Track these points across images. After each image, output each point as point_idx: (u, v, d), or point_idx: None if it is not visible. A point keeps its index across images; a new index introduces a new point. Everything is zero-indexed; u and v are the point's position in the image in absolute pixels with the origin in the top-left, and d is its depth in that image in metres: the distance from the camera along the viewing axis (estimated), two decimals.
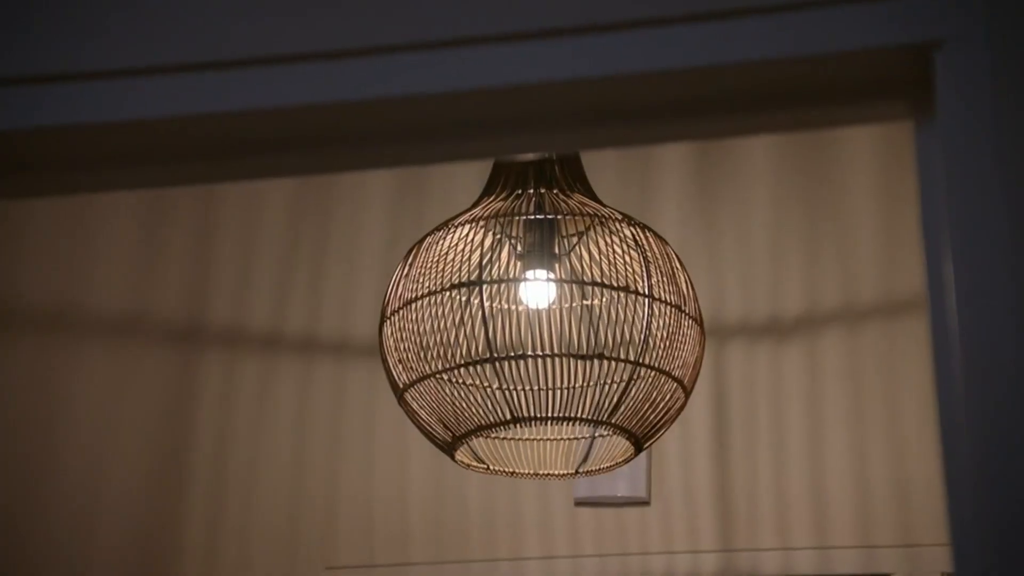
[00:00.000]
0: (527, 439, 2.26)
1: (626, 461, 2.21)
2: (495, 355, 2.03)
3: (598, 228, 2.09)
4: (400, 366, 2.14)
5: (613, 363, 2.01)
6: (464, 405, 2.10)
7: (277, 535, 3.21)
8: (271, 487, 3.25)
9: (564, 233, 2.13)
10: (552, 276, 2.11)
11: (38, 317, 3.42)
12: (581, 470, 2.26)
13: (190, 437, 3.29)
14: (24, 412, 3.35)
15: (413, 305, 2.10)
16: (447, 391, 2.10)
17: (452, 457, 2.23)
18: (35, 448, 3.33)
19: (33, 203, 3.48)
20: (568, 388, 2.06)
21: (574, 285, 2.08)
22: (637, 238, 2.09)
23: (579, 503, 3.17)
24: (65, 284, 3.44)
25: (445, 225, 2.14)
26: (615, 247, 2.06)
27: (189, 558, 3.21)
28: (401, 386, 2.15)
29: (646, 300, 2.01)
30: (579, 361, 2.01)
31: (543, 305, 2.10)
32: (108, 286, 3.43)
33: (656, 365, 2.02)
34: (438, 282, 2.08)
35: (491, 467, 2.25)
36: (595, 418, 2.05)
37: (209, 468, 3.28)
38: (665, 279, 2.05)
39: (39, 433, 3.33)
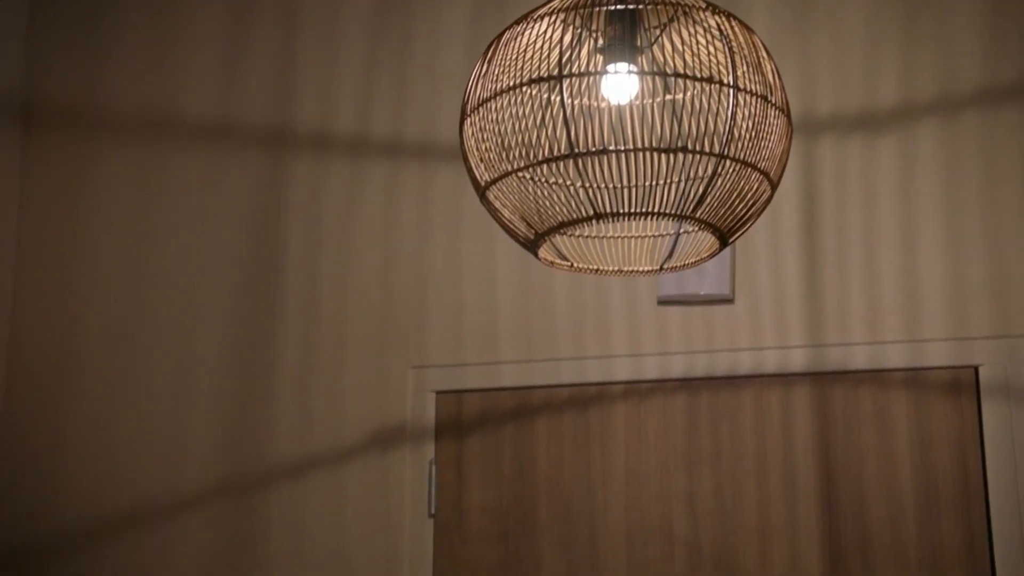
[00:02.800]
0: (611, 236, 2.23)
1: (711, 256, 2.18)
2: (576, 151, 1.99)
3: (681, 18, 2.02)
4: (482, 165, 2.12)
5: (697, 156, 1.96)
6: (547, 203, 2.08)
7: (367, 335, 3.27)
8: (361, 288, 3.30)
9: (646, 25, 2.06)
10: (634, 69, 2.06)
11: (132, 124, 3.45)
12: (666, 266, 2.23)
13: (282, 240, 3.33)
14: (125, 221, 3.41)
15: (492, 102, 2.06)
16: (529, 189, 2.08)
17: (536, 255, 2.22)
18: (138, 256, 3.40)
19: (124, 10, 3.47)
20: (651, 183, 2.02)
21: (657, 78, 2.02)
22: (722, 27, 2.01)
23: (664, 302, 3.16)
24: (155, 92, 3.46)
25: (524, 18, 2.08)
26: (699, 37, 1.99)
27: (285, 357, 3.29)
28: (483, 184, 2.13)
29: (731, 91, 1.95)
30: (662, 155, 1.96)
31: (625, 100, 2.05)
32: (196, 93, 3.44)
33: (741, 157, 1.96)
34: (517, 78, 2.03)
35: (575, 264, 2.24)
36: (679, 213, 2.01)
37: (301, 270, 3.33)
38: (750, 69, 1.98)
39: (141, 241, 3.40)
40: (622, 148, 1.99)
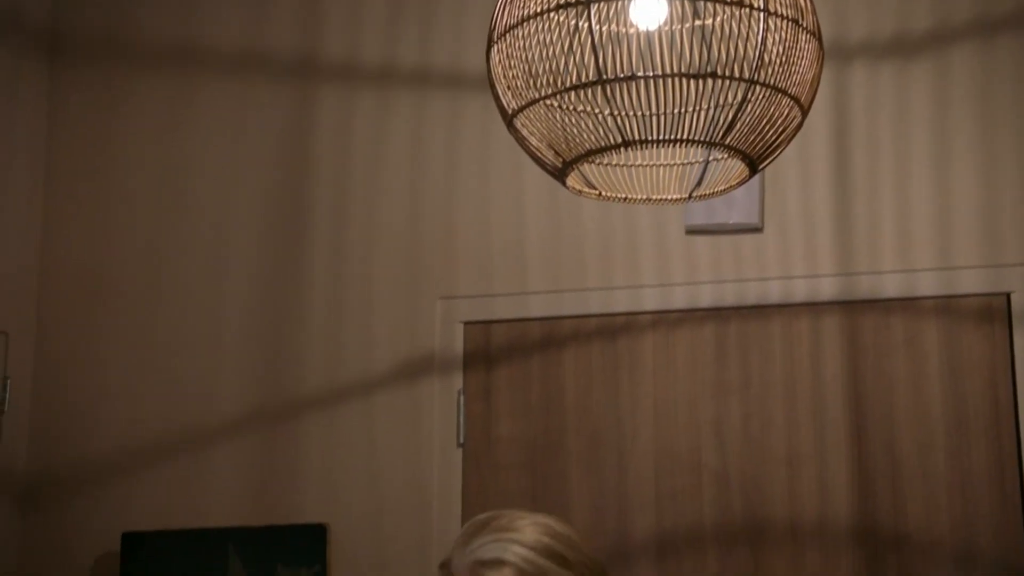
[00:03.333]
0: (639, 165, 2.22)
1: (740, 183, 2.16)
2: (604, 78, 1.96)
3: None
4: (509, 92, 2.10)
5: (727, 82, 1.93)
6: (574, 131, 2.06)
7: (395, 267, 3.27)
8: (389, 219, 3.29)
9: None
10: None
11: (160, 55, 3.44)
12: (695, 194, 2.21)
13: (310, 171, 3.33)
14: (153, 152, 3.41)
15: (519, 29, 2.03)
16: (557, 116, 2.06)
17: (564, 183, 2.20)
18: (167, 188, 3.41)
19: None
20: (680, 110, 2.00)
21: (686, 2, 1.99)
22: None
23: (692, 231, 3.15)
24: (182, 23, 3.44)
25: None
26: None
27: (313, 287, 3.30)
28: (510, 112, 2.11)
29: (761, 14, 1.92)
30: (691, 81, 1.94)
31: (653, 25, 2.02)
32: (224, 24, 3.42)
33: (771, 82, 1.94)
34: (544, 3, 2.01)
35: (603, 193, 2.22)
36: (708, 139, 1.99)
37: (329, 201, 3.32)
38: None
39: (169, 173, 3.40)
40: (651, 74, 1.96)
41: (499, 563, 1.95)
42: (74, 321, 3.38)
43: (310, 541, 3.11)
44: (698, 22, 1.99)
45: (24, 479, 3.24)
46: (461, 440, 3.16)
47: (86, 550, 3.21)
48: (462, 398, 3.18)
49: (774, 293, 3.09)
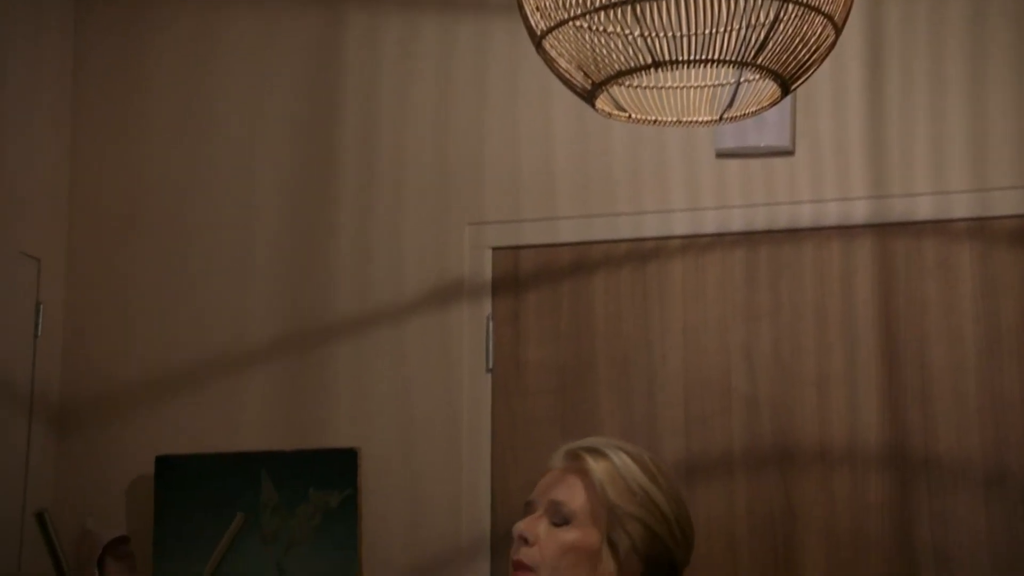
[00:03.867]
0: (669, 87, 2.19)
1: (772, 104, 2.13)
2: None
3: None
4: (537, 13, 2.07)
5: (759, 0, 1.90)
6: (604, 52, 2.03)
7: (423, 192, 3.26)
8: (417, 144, 3.28)
9: None
10: None
11: None
12: (726, 116, 2.19)
13: (337, 96, 3.32)
14: (180, 76, 3.40)
15: None
16: (586, 37, 2.03)
17: (593, 106, 2.18)
18: (194, 113, 3.40)
19: None
20: (711, 30, 1.97)
21: None
22: None
23: (723, 154, 3.12)
24: None
25: None
26: None
27: (342, 213, 3.30)
28: (539, 33, 2.09)
29: None
30: (723, 0, 1.91)
31: None
32: None
33: (805, 0, 1.91)
34: None
35: (633, 115, 2.20)
36: (740, 59, 1.97)
37: (357, 127, 3.31)
38: None
39: (197, 98, 3.39)
40: None
41: (598, 453, 2.00)
42: (105, 248, 3.39)
43: (341, 465, 3.14)
44: None
45: (58, 404, 3.28)
46: (490, 365, 3.17)
47: (120, 473, 3.25)
48: (491, 324, 3.18)
49: (805, 217, 3.06)
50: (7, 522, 2.97)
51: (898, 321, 2.99)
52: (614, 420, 3.09)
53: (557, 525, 1.96)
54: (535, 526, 1.97)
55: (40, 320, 3.19)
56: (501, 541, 3.00)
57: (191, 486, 3.17)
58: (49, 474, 3.21)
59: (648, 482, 1.96)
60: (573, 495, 1.96)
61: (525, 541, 1.96)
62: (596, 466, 1.99)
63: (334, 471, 3.14)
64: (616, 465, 1.97)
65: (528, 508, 2.01)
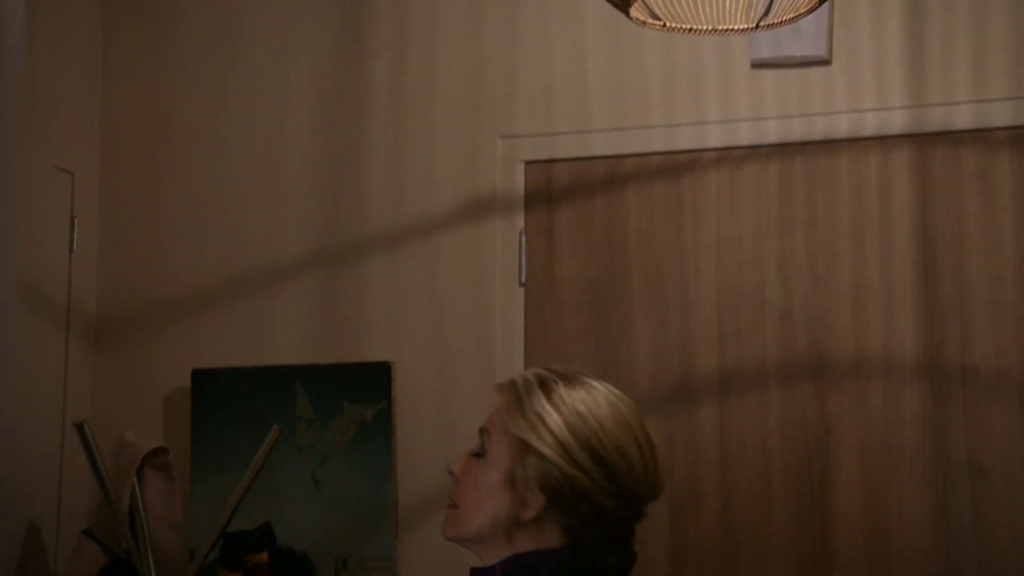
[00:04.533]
0: None
1: (809, 11, 2.10)
2: None
3: None
4: None
5: None
6: None
7: (455, 106, 3.24)
8: (449, 57, 3.25)
9: None
10: None
11: None
12: (762, 23, 2.16)
13: (369, 10, 3.29)
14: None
15: None
16: None
17: (627, 14, 2.15)
18: (226, 30, 3.38)
19: None
20: None
21: None
22: None
23: (758, 65, 3.07)
24: None
25: None
26: None
27: (374, 128, 3.28)
28: None
29: None
30: None
31: None
32: None
33: None
34: None
35: (668, 24, 2.17)
36: None
37: (388, 39, 3.29)
38: None
39: (229, 13, 3.37)
40: None
41: (509, 383, 1.95)
42: (138, 162, 3.39)
43: (375, 378, 3.16)
44: None
45: (95, 318, 3.30)
46: (523, 280, 3.17)
47: (157, 387, 3.28)
48: (523, 238, 3.17)
49: (842, 128, 3.02)
50: (48, 433, 3.02)
51: (935, 232, 2.95)
52: (647, 334, 3.09)
53: (477, 456, 1.92)
54: (460, 461, 1.92)
55: (75, 234, 3.20)
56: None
57: (227, 399, 3.20)
58: (87, 387, 3.25)
59: (547, 408, 1.88)
60: (491, 428, 1.92)
61: (453, 476, 1.92)
62: (500, 397, 1.92)
63: (368, 385, 3.16)
64: (520, 394, 1.91)
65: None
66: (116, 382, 3.30)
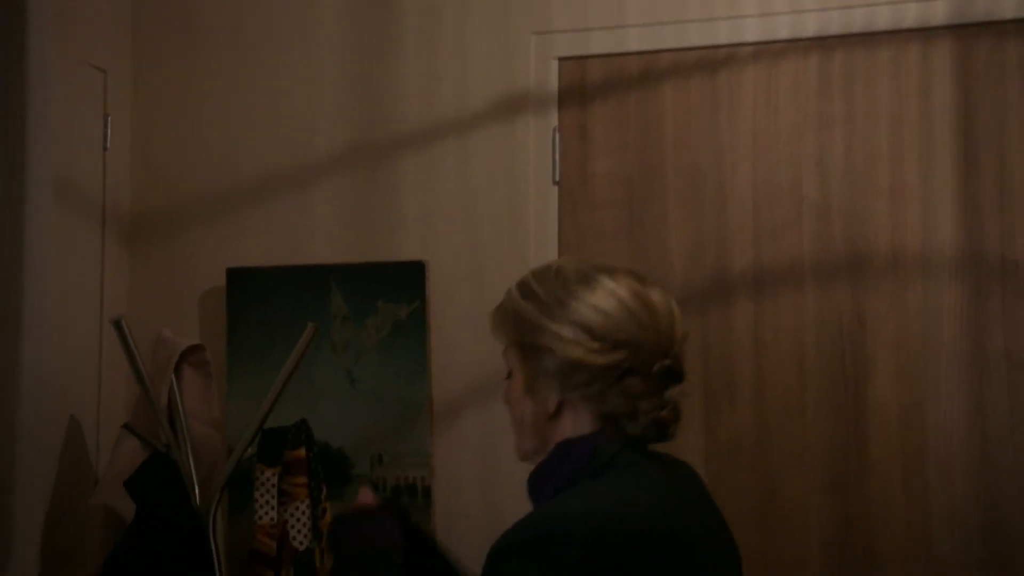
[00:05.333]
0: None
1: None
2: None
3: None
4: None
5: None
6: None
7: (488, 1, 3.20)
8: None
9: None
10: None
11: None
12: None
13: None
14: None
15: None
16: None
17: None
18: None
19: None
20: None
21: None
22: None
23: None
24: None
25: None
26: None
27: (407, 25, 3.25)
28: None
29: None
30: None
31: None
32: None
33: None
34: None
35: None
36: None
37: None
38: None
39: None
40: None
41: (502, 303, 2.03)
42: (170, 60, 3.38)
43: (409, 277, 3.16)
44: None
45: (130, 216, 3.31)
46: (557, 178, 3.15)
47: (192, 285, 3.30)
48: (557, 135, 3.15)
49: (882, 19, 2.97)
50: (86, 331, 3.04)
51: (976, 126, 2.91)
52: (681, 232, 3.07)
53: (508, 379, 2.01)
54: (504, 388, 2.02)
55: (108, 132, 3.19)
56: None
57: (262, 298, 3.21)
58: (123, 285, 3.26)
59: (522, 304, 1.96)
60: (505, 348, 2.01)
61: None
62: (491, 318, 2.02)
63: (402, 283, 3.16)
64: (503, 307, 2.00)
65: None
66: (152, 281, 3.31)
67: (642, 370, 1.93)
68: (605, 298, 1.93)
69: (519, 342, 1.97)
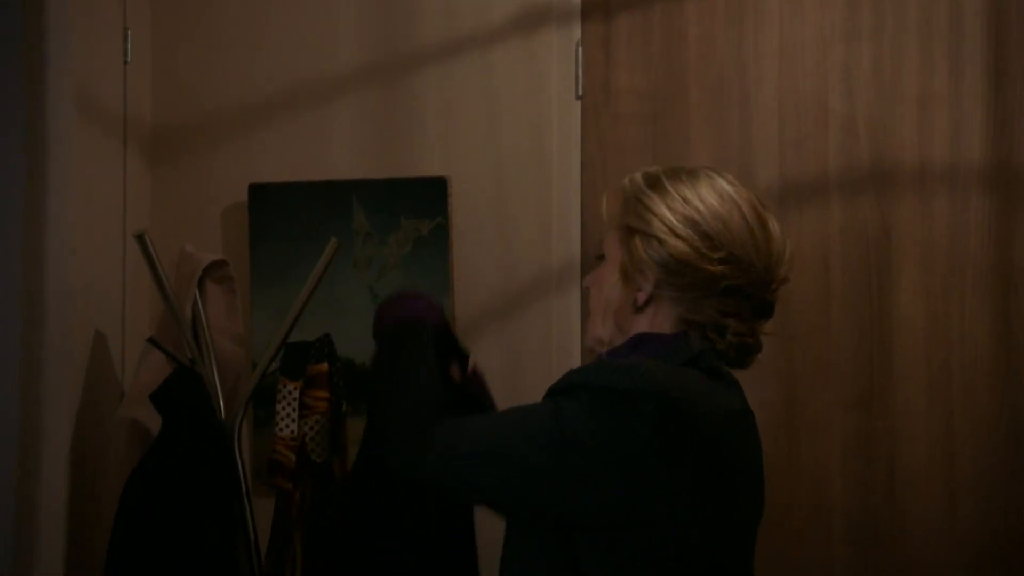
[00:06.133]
0: None
1: None
2: None
3: None
4: None
5: None
6: None
7: None
8: None
9: None
10: None
11: None
12: None
13: None
14: None
15: None
16: None
17: None
18: None
19: None
20: None
21: None
22: None
23: None
24: None
25: None
26: None
27: None
28: None
29: None
30: None
31: None
32: None
33: None
34: None
35: None
36: None
37: None
38: None
39: None
40: None
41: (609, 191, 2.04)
42: None
43: (431, 193, 3.15)
44: None
45: (151, 131, 3.29)
46: (580, 92, 3.12)
47: (214, 200, 3.29)
48: (580, 49, 3.12)
49: None
50: (109, 246, 3.04)
51: (1009, 34, 2.87)
52: (706, 145, 3.05)
53: (600, 260, 2.01)
54: (589, 276, 2.03)
55: (128, 46, 3.17)
56: (589, 269, 3.01)
57: (284, 213, 3.21)
58: (145, 200, 3.26)
59: (646, 192, 1.96)
60: (607, 231, 2.01)
61: (587, 288, 2.03)
62: (607, 198, 2.02)
63: (424, 199, 3.15)
64: (624, 185, 1.99)
65: None
66: (174, 196, 3.31)
67: (743, 292, 1.93)
68: (729, 210, 1.93)
69: (629, 225, 1.96)
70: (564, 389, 1.90)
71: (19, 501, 2.49)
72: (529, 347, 3.08)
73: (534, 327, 3.10)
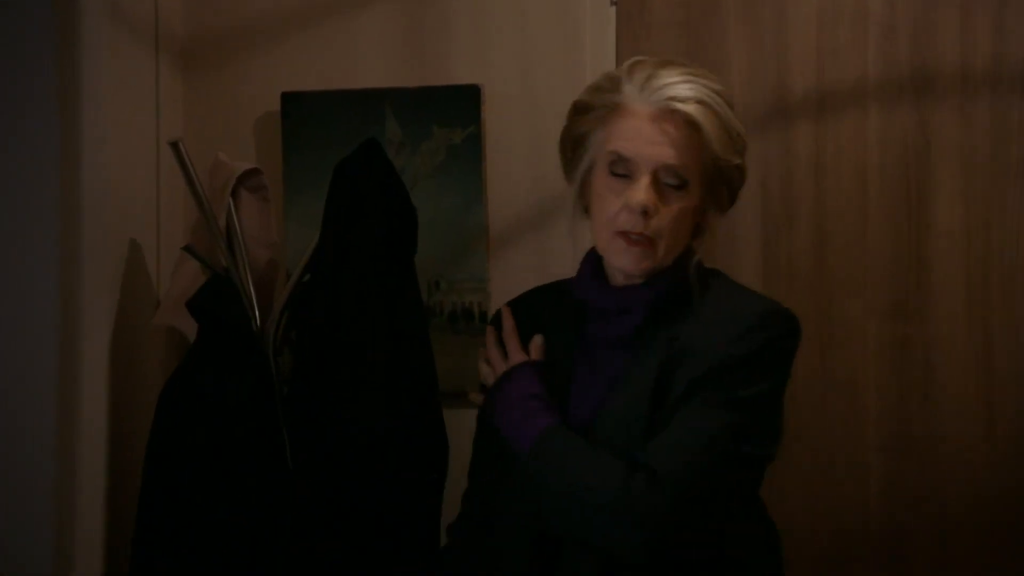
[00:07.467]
0: None
1: None
2: None
3: None
4: None
5: None
6: None
7: None
8: None
9: None
10: None
11: None
12: None
13: None
14: None
15: None
16: None
17: None
18: None
19: None
20: None
21: None
22: None
23: None
24: None
25: None
26: None
27: None
28: None
29: None
30: None
31: None
32: None
33: None
34: None
35: None
36: None
37: None
38: None
39: None
40: None
41: (701, 104, 1.97)
42: None
43: (463, 102, 3.13)
44: None
45: (183, 40, 3.27)
46: None
47: (247, 109, 3.28)
48: None
49: None
50: (143, 155, 3.04)
51: None
52: (742, 52, 3.02)
53: (674, 188, 1.96)
54: (653, 197, 1.97)
55: None
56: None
57: (317, 122, 3.19)
58: (178, 109, 3.25)
59: (728, 112, 1.95)
60: (685, 157, 1.95)
61: (646, 213, 1.96)
62: (705, 120, 1.96)
63: (457, 108, 3.13)
64: (719, 115, 1.95)
65: (626, 165, 1.99)
66: (206, 105, 3.29)
67: None
68: None
69: (726, 160, 2.00)
70: (774, 315, 2.05)
71: (60, 407, 2.52)
72: (563, 256, 3.07)
73: (565, 236, 3.09)
